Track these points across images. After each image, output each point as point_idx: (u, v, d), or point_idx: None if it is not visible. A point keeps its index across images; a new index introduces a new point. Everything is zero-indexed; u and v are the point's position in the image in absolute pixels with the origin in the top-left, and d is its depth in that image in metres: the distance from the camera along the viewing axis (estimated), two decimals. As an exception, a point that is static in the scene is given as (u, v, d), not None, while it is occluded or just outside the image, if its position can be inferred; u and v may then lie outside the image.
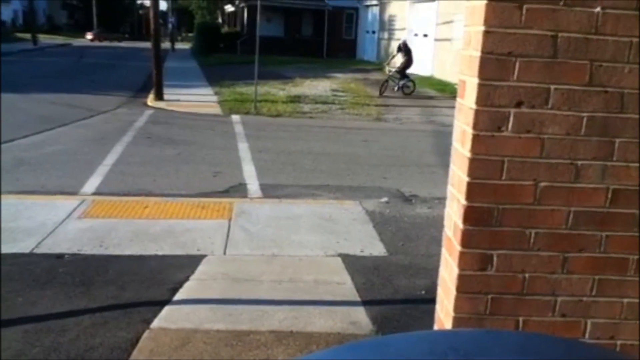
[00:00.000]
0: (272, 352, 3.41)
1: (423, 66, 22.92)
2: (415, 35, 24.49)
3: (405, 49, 17.35)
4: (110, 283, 4.31)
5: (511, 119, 1.97)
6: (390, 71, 17.62)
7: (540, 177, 2.01)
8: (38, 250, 4.87)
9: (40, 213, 5.75)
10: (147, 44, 18.47)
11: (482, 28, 1.91)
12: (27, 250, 4.85)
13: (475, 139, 1.98)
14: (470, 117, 1.99)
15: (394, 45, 27.82)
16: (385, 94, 16.93)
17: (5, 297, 3.99)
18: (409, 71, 17.91)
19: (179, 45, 44.33)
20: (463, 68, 2.09)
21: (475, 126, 1.97)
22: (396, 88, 17.34)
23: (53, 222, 5.52)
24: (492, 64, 1.93)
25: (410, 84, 17.41)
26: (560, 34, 1.91)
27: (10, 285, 4.18)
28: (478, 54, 1.93)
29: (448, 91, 17.40)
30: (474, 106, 1.96)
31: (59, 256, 4.77)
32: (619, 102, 1.97)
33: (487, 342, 1.15)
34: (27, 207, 5.95)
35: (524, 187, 2.02)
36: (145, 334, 3.56)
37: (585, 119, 1.98)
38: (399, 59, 17.60)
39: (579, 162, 2.01)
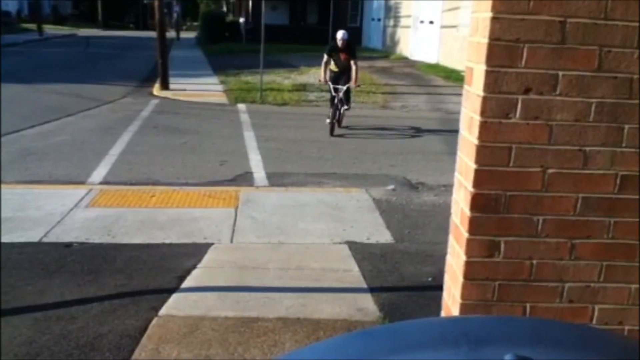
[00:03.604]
0: (280, 339, 3.44)
1: (429, 54, 22.81)
2: (421, 22, 24.33)
3: (347, 44, 10.00)
4: (119, 271, 4.34)
5: (519, 105, 1.96)
6: (337, 90, 9.98)
7: (548, 163, 2.01)
8: (46, 240, 4.90)
9: (48, 202, 5.78)
10: (152, 34, 18.43)
11: (489, 14, 1.89)
12: (35, 240, 4.88)
13: (483, 126, 1.97)
14: (477, 104, 1.98)
15: (400, 33, 27.68)
16: (340, 129, 10.18)
17: (15, 286, 4.03)
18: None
19: (184, 35, 44.22)
20: (470, 55, 2.08)
21: (482, 113, 1.97)
22: (339, 114, 10.19)
23: (61, 211, 5.56)
24: (500, 51, 1.92)
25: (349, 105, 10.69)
26: (568, 20, 1.89)
27: (20, 274, 4.22)
28: (486, 40, 1.92)
29: (454, 78, 17.28)
30: (481, 93, 1.95)
31: (68, 245, 4.80)
32: (629, 88, 1.96)
33: (499, 328, 1.16)
34: (35, 196, 5.98)
35: (532, 174, 2.02)
36: (154, 322, 3.59)
37: (594, 105, 1.97)
38: (339, 63, 10.19)
39: (588, 149, 2.00)
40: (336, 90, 10.05)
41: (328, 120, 10.02)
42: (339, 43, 9.98)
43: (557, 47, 1.91)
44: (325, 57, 10.19)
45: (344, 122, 10.54)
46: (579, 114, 1.97)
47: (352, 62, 10.03)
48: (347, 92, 10.32)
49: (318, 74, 11.56)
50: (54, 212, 5.53)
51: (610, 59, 1.93)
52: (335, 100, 9.96)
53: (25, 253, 4.60)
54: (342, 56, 10.08)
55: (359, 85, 10.66)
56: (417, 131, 10.63)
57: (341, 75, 10.18)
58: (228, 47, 28.16)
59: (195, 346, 3.32)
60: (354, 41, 10.78)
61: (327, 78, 10.24)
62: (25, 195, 6.00)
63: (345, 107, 10.34)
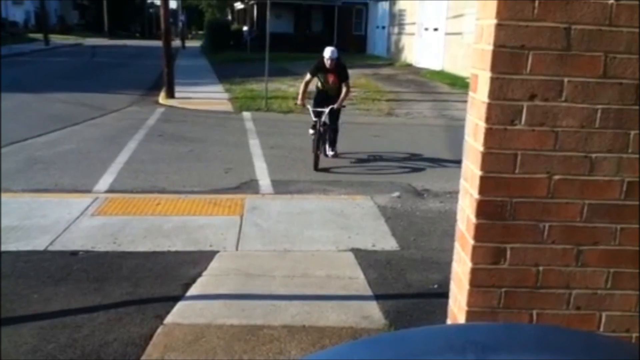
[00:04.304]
0: (285, 347, 3.43)
1: (434, 61, 22.83)
2: (426, 29, 24.39)
3: (337, 65, 8.16)
4: (124, 279, 4.34)
5: (524, 112, 1.96)
6: (319, 114, 8.07)
7: (554, 170, 2.00)
8: (52, 248, 4.91)
9: (54, 211, 5.80)
10: (158, 43, 18.53)
11: (494, 21, 1.89)
12: (41, 248, 4.89)
13: (488, 132, 1.97)
14: (482, 111, 1.98)
15: (405, 41, 27.74)
16: (326, 162, 8.30)
17: (21, 294, 4.04)
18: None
19: (190, 43, 44.45)
20: (475, 62, 2.08)
21: (488, 120, 1.96)
22: (328, 149, 8.64)
23: (67, 219, 5.57)
24: (504, 57, 1.92)
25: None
26: (573, 26, 1.89)
27: (26, 282, 4.23)
28: (490, 47, 1.92)
29: (459, 85, 17.29)
30: (486, 100, 1.95)
31: (73, 253, 4.81)
32: (634, 94, 1.95)
33: (506, 335, 1.15)
34: (41, 205, 6.00)
35: (538, 181, 2.01)
36: (159, 330, 3.59)
37: (599, 111, 1.96)
38: (326, 86, 8.40)
39: (594, 155, 1.99)
40: (318, 114, 8.02)
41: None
42: (327, 63, 8.03)
43: (562, 53, 1.91)
44: (308, 76, 8.31)
45: (339, 146, 8.73)
46: (585, 120, 1.97)
47: (342, 86, 8.22)
48: (333, 114, 8.28)
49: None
50: (60, 220, 5.54)
51: (615, 65, 1.92)
52: (317, 126, 7.96)
53: (31, 261, 4.61)
54: (331, 78, 8.21)
55: (343, 106, 8.42)
56: (422, 138, 10.62)
57: (326, 99, 8.22)
58: (233, 56, 28.27)
59: (200, 354, 3.31)
60: (344, 63, 8.41)
61: (306, 101, 8.35)
62: (31, 203, 6.03)
63: (331, 127, 8.36)
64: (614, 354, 1.16)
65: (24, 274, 4.38)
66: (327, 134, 8.35)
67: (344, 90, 8.21)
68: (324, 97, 8.30)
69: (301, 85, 8.48)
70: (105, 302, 3.97)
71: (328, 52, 8.04)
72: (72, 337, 3.48)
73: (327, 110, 8.03)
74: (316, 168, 7.86)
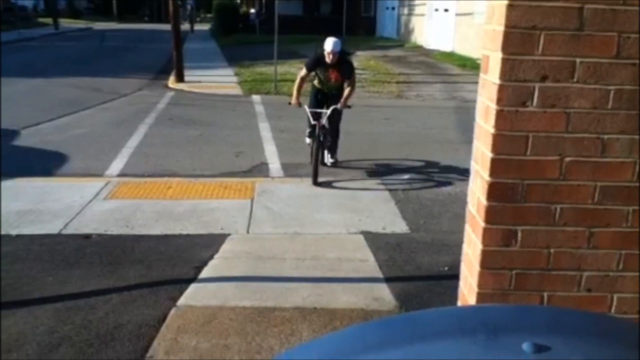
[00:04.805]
0: (297, 328, 3.46)
1: (444, 42, 22.61)
2: (436, 10, 24.11)
3: (340, 59, 6.77)
4: (137, 262, 4.39)
5: (536, 93, 1.94)
6: (317, 116, 6.82)
7: (565, 152, 1.99)
8: (66, 231, 4.97)
9: (67, 195, 5.86)
10: (167, 26, 18.48)
11: (505, 1, 1.87)
12: (55, 231, 4.95)
13: (499, 114, 1.96)
14: (494, 93, 1.97)
15: (415, 22, 27.46)
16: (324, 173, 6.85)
17: (36, 277, 4.10)
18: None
19: (198, 27, 44.26)
20: (486, 43, 2.06)
21: (499, 101, 1.95)
22: (327, 157, 7.32)
23: (79, 203, 5.63)
24: (516, 38, 1.90)
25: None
26: (586, 6, 1.87)
27: (40, 265, 4.28)
28: (502, 28, 1.90)
29: (470, 66, 17.13)
30: (497, 81, 1.94)
31: (87, 236, 4.86)
32: (648, 74, 1.93)
33: (516, 317, 1.16)
34: (54, 189, 6.06)
35: (549, 163, 2.00)
36: (172, 312, 3.63)
37: (612, 93, 1.94)
38: (326, 84, 7.00)
39: (606, 137, 1.98)
40: (317, 116, 6.73)
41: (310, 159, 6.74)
42: (328, 57, 6.56)
43: (574, 33, 1.89)
44: (304, 71, 6.85)
45: (340, 154, 7.36)
46: (597, 102, 1.95)
47: (345, 84, 6.83)
48: (334, 117, 6.83)
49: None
50: (73, 204, 5.60)
51: (629, 46, 1.90)
52: (317, 131, 6.56)
53: (45, 245, 4.67)
54: (332, 75, 6.74)
55: (349, 107, 6.82)
56: (433, 120, 10.57)
57: (327, 98, 6.90)
58: (242, 39, 28.17)
59: (213, 336, 3.36)
60: (348, 56, 7.10)
61: (303, 99, 6.95)
62: (44, 187, 6.08)
63: (328, 140, 6.93)
64: (625, 335, 1.16)
65: (39, 257, 4.44)
66: (327, 139, 6.91)
67: (347, 88, 6.77)
68: (322, 97, 6.97)
69: (296, 82, 6.94)
70: (119, 284, 4.02)
71: (329, 44, 6.51)
72: (87, 319, 3.53)
73: (328, 111, 6.66)
74: (315, 182, 6.35)
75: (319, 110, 6.82)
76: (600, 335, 1.11)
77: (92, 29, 39.90)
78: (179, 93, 13.54)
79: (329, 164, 7.22)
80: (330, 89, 6.92)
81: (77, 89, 13.58)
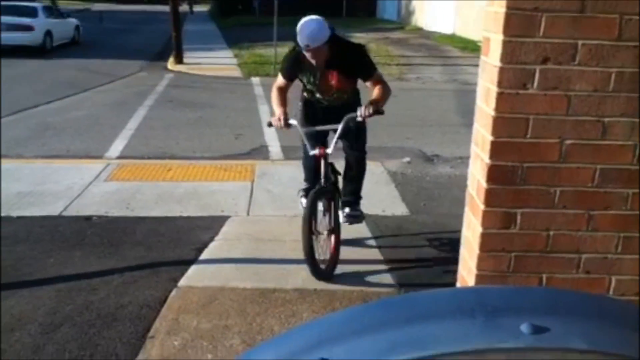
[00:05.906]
0: (297, 309, 3.49)
1: (445, 24, 22.45)
2: (437, -8, 23.90)
3: (337, 50, 3.73)
4: (138, 244, 4.41)
5: (537, 76, 1.94)
6: (321, 137, 4.07)
7: (566, 134, 1.99)
8: (66, 213, 4.98)
9: (67, 177, 5.86)
10: (166, 8, 18.32)
11: (508, -18, 1.86)
12: (55, 213, 4.96)
13: (500, 97, 1.96)
14: (494, 75, 1.96)
15: (415, 4, 27.22)
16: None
17: (37, 258, 4.12)
18: None
19: (198, 8, 43.94)
20: (487, 24, 2.05)
21: (499, 84, 1.95)
22: (346, 211, 4.26)
23: (80, 185, 5.63)
24: (517, 20, 1.89)
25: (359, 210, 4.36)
26: (588, -13, 1.86)
27: (42, 247, 4.30)
28: (503, 9, 1.89)
29: (470, 49, 17.03)
30: (498, 63, 1.93)
31: (87, 218, 4.88)
32: (649, 57, 1.92)
33: (515, 298, 1.17)
34: (54, 171, 6.06)
35: (550, 145, 2.00)
36: (173, 293, 3.66)
37: (613, 75, 1.94)
38: (325, 97, 4.06)
39: (606, 119, 1.98)
40: (322, 138, 4.11)
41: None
42: (310, 56, 3.73)
43: (576, 15, 1.88)
44: (280, 80, 4.11)
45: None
46: (598, 84, 1.95)
47: (370, 85, 3.97)
48: (354, 137, 4.22)
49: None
50: (73, 186, 5.60)
51: (631, 28, 1.89)
52: (321, 172, 3.92)
53: (46, 226, 4.68)
54: (332, 79, 3.93)
55: (380, 112, 3.90)
56: (433, 103, 10.53)
57: (331, 112, 4.02)
58: (241, 20, 27.96)
59: (214, 316, 3.38)
60: (348, 40, 4.14)
61: (290, 109, 4.07)
62: (44, 169, 6.08)
63: (354, 158, 4.35)
64: (623, 316, 1.17)
65: (40, 238, 4.45)
66: (346, 178, 4.39)
67: (376, 88, 3.94)
68: (321, 110, 4.18)
69: (272, 94, 4.16)
70: (120, 265, 4.04)
71: (304, 35, 3.63)
72: (89, 300, 3.56)
73: (339, 126, 3.84)
74: (317, 275, 3.79)
75: (324, 128, 4.05)
76: (598, 317, 1.12)
77: (90, 10, 39.58)
78: (179, 75, 13.48)
79: (347, 222, 4.28)
80: (332, 102, 4.11)
81: (76, 71, 13.52)
